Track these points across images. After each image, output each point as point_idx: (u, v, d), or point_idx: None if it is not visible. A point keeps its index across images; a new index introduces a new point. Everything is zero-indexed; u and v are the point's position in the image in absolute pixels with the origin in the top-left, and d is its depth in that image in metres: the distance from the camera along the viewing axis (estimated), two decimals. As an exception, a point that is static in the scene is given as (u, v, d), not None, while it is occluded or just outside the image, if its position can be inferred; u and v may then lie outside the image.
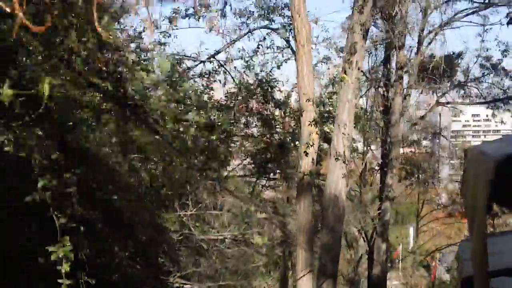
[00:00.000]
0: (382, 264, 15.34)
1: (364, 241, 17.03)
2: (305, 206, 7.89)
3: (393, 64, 15.18)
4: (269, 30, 11.81)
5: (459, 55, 17.87)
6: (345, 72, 7.87)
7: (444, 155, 20.76)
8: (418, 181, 19.19)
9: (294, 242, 8.87)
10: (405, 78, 15.12)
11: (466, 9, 14.65)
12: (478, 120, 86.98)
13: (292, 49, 11.02)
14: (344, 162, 8.02)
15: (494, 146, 2.61)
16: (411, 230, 27.18)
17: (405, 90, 15.02)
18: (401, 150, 16.54)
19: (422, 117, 16.66)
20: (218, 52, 11.95)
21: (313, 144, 7.55)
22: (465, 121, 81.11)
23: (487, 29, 14.95)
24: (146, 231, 5.85)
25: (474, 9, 14.27)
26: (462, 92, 17.71)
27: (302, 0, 6.93)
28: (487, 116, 61.22)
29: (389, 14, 12.02)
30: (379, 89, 14.79)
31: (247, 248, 8.53)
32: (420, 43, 15.08)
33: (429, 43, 15.25)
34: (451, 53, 17.76)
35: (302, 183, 7.95)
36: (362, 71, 11.47)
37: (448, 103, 16.95)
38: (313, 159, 7.89)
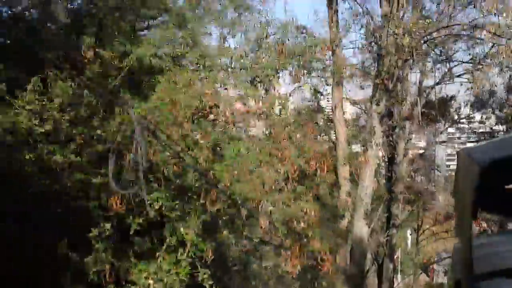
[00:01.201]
0: (389, 281, 18.28)
1: (374, 260, 19.91)
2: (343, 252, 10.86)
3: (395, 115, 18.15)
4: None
5: (452, 97, 20.95)
6: (366, 150, 10.88)
7: (440, 185, 23.66)
8: (418, 206, 22.09)
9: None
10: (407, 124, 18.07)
11: (458, 64, 17.54)
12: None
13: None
14: (366, 213, 11.02)
15: (481, 150, 2.54)
16: (408, 233, 29.26)
17: (407, 135, 18.01)
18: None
19: (421, 155, 19.66)
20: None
21: (349, 209, 10.53)
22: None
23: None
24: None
25: (465, 71, 17.19)
26: (455, 128, 20.77)
27: (341, 113, 9.96)
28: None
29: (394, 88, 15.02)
30: (385, 138, 17.77)
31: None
32: (420, 93, 18.07)
33: (427, 96, 18.29)
34: (445, 95, 20.82)
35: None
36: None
37: (442, 142, 19.98)
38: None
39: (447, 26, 11.73)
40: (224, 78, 9.24)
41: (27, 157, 6.50)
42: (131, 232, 6.93)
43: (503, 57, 10.72)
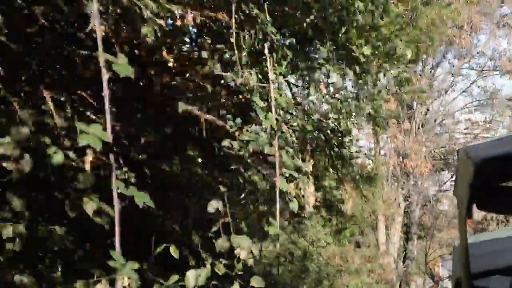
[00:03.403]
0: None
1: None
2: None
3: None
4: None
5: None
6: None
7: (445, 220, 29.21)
8: (426, 238, 27.48)
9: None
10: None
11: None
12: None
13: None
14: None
15: (478, 148, 2.54)
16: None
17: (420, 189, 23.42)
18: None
19: (429, 201, 25.05)
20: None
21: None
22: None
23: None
24: None
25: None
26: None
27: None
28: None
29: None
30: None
31: None
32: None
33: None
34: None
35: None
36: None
37: (446, 190, 25.33)
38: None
39: None
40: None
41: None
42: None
43: None
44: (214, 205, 3.04)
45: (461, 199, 2.41)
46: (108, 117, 2.46)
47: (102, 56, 2.40)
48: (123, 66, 2.49)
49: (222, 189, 4.32)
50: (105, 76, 2.42)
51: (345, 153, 6.09)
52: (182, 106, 3.66)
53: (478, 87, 24.68)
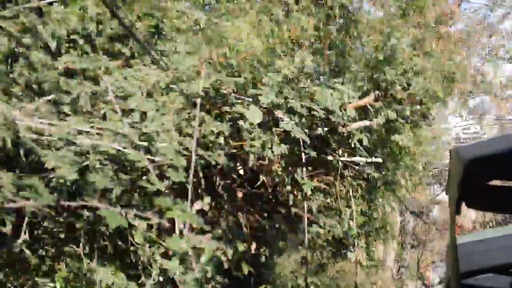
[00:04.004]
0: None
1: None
2: None
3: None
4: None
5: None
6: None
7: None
8: (419, 247, 29.44)
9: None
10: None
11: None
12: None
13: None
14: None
15: (468, 148, 2.58)
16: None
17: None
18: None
19: (421, 212, 26.93)
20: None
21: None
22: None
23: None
24: None
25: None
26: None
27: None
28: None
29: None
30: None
31: None
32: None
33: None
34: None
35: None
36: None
37: (438, 202, 27.26)
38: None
39: None
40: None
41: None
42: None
43: None
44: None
45: (452, 198, 2.44)
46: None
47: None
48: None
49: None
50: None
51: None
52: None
53: (468, 108, 26.61)
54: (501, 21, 24.02)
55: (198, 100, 4.01)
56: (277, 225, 7.10)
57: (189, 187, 3.82)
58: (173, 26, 5.76)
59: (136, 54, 5.71)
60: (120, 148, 3.73)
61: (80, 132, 4.17)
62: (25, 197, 3.53)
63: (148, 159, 3.78)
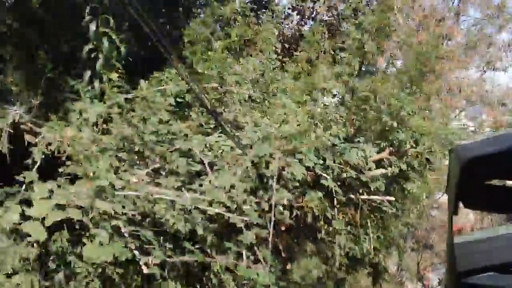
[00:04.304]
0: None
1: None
2: None
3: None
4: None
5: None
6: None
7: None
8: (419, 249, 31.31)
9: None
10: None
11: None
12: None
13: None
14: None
15: (467, 146, 2.52)
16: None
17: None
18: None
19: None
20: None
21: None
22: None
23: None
24: None
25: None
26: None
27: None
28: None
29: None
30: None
31: None
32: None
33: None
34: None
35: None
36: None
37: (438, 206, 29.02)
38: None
39: None
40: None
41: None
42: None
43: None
44: None
45: (450, 198, 2.53)
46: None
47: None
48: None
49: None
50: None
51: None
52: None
53: (466, 116, 28.33)
54: (498, 33, 25.86)
55: (275, 179, 5.73)
56: (305, 248, 9.04)
57: (269, 238, 5.56)
58: (234, 98, 7.48)
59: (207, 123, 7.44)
60: (221, 212, 5.46)
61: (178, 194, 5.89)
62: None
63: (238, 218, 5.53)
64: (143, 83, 7.15)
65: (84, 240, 5.37)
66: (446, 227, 26.01)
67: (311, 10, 13.75)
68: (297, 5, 13.95)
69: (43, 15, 6.88)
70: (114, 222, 5.02)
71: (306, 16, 14.01)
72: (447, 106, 9.78)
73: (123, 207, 5.10)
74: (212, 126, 7.50)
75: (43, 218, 5.49)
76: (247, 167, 5.83)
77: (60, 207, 5.49)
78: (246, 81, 7.52)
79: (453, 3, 25.80)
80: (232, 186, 5.73)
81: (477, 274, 3.07)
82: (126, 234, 5.13)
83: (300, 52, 9.38)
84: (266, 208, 5.84)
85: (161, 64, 7.85)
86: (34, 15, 6.88)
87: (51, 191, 5.71)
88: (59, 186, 5.76)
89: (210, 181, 6.04)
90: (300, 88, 7.53)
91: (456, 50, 23.50)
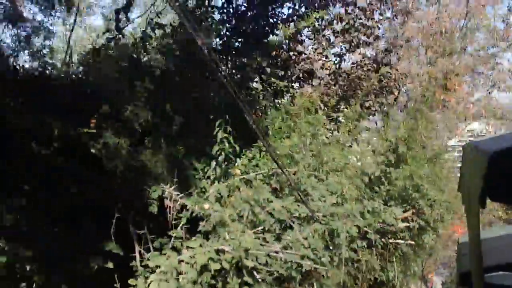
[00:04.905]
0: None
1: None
2: None
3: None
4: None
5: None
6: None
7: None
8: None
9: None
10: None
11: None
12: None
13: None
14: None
15: (488, 142, 2.61)
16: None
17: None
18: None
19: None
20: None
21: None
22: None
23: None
24: None
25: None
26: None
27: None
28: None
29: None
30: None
31: None
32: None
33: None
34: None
35: None
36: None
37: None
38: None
39: None
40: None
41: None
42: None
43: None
44: None
45: (471, 193, 2.47)
46: None
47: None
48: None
49: None
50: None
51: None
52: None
53: (468, 131, 30.96)
54: (502, 55, 27.37)
55: (343, 235, 9.09)
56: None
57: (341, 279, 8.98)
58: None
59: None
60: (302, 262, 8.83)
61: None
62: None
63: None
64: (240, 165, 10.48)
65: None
66: (448, 236, 28.09)
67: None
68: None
69: (180, 119, 10.22)
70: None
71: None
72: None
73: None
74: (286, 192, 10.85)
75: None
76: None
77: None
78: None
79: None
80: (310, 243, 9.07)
81: (489, 273, 3.30)
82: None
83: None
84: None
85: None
86: (172, 118, 10.23)
87: (200, 246, 9.03)
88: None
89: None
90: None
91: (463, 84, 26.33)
